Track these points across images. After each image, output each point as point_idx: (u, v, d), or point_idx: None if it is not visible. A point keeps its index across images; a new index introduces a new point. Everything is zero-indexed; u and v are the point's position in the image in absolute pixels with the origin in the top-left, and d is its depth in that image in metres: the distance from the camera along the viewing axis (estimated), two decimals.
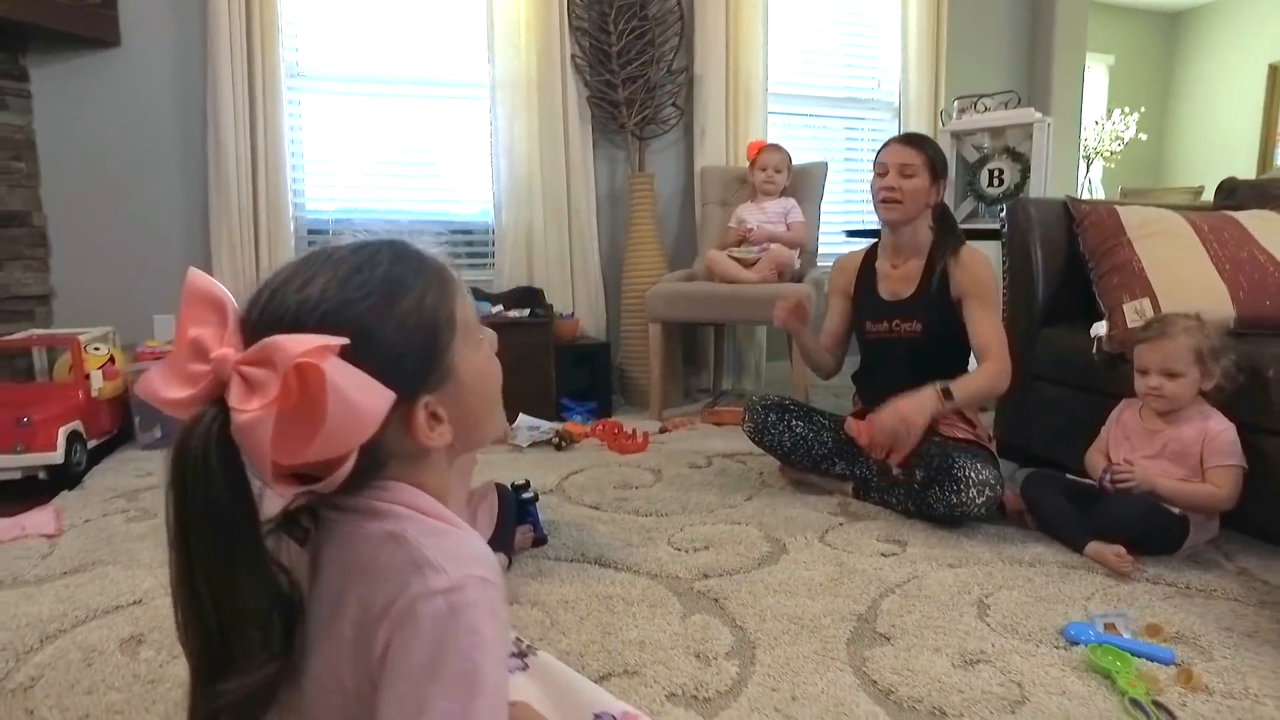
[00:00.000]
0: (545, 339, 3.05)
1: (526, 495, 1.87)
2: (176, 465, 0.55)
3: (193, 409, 0.56)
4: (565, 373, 3.14)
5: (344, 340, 0.56)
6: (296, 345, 0.54)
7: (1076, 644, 1.40)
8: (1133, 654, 1.36)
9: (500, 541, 1.70)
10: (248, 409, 0.54)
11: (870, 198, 2.19)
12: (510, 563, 1.70)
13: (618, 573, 1.71)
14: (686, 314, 3.07)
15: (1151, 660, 1.35)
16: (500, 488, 1.82)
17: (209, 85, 2.97)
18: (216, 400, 0.56)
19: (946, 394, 1.98)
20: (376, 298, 0.63)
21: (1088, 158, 6.20)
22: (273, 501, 0.63)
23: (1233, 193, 2.59)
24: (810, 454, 2.17)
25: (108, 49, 2.91)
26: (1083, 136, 6.05)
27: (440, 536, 0.61)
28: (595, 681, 1.26)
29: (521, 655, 1.04)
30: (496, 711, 0.57)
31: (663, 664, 1.33)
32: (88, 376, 2.48)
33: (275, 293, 0.62)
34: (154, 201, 3.05)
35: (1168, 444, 1.83)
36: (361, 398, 0.56)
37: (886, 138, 2.21)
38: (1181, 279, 2.07)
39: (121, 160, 2.99)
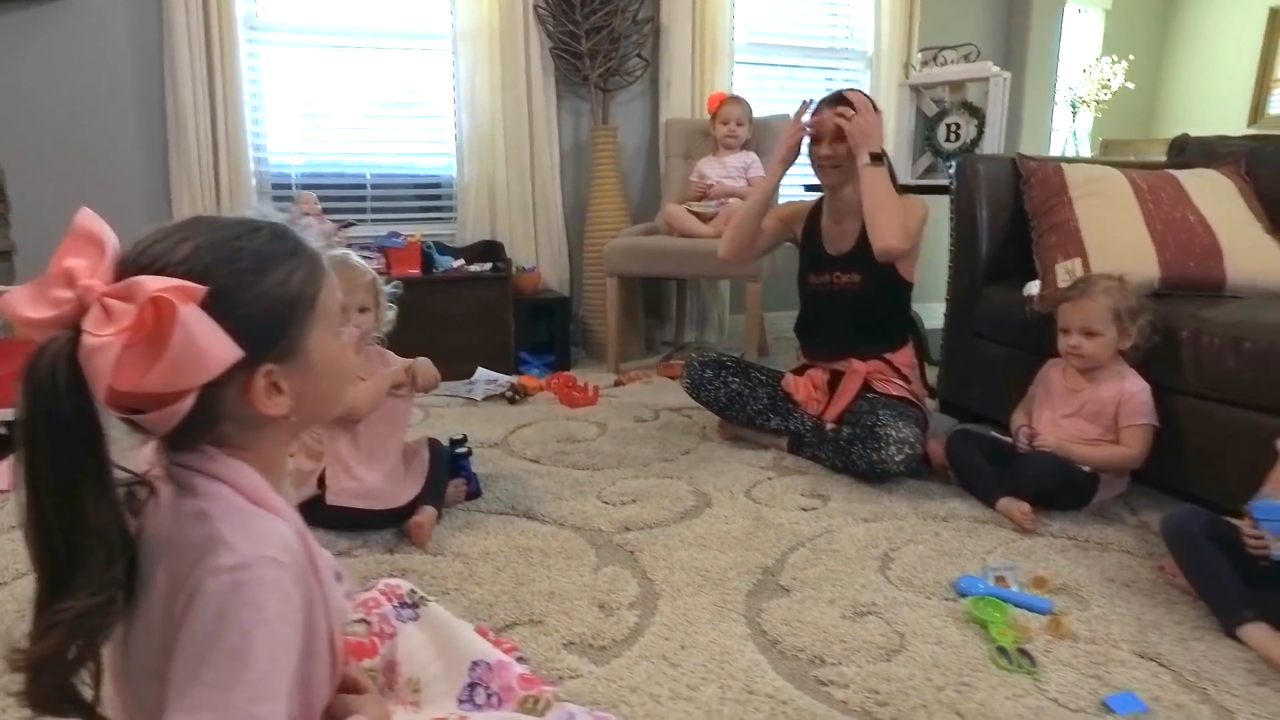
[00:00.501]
0: (505, 293, 3.08)
1: (460, 450, 1.92)
2: (26, 380, 0.59)
3: (49, 331, 0.60)
4: (525, 326, 3.19)
5: (204, 288, 0.61)
6: (157, 283, 0.59)
7: (965, 596, 1.46)
8: (1014, 604, 1.43)
9: (431, 495, 1.77)
10: (100, 334, 0.58)
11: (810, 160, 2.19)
12: (440, 515, 1.77)
13: (543, 525, 1.77)
14: (643, 268, 3.09)
15: (1031, 610, 1.42)
16: (433, 442, 1.88)
17: (165, 37, 2.95)
18: (73, 326, 0.60)
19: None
20: (245, 264, 0.67)
21: (1074, 107, 6.11)
22: None
23: (1183, 150, 2.59)
24: (746, 409, 2.22)
25: (57, 0, 2.88)
26: (1070, 86, 5.97)
27: (243, 516, 0.66)
28: (499, 630, 1.34)
29: (414, 606, 1.11)
30: (260, 690, 0.60)
31: (566, 614, 1.41)
32: None
33: (155, 244, 0.66)
34: (113, 156, 3.05)
35: (1086, 403, 1.88)
36: (207, 343, 0.60)
37: (859, 87, 2.20)
38: (1113, 239, 2.09)
39: (79, 114, 2.99)
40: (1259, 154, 2.32)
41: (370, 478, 1.72)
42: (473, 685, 1.03)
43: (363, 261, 1.73)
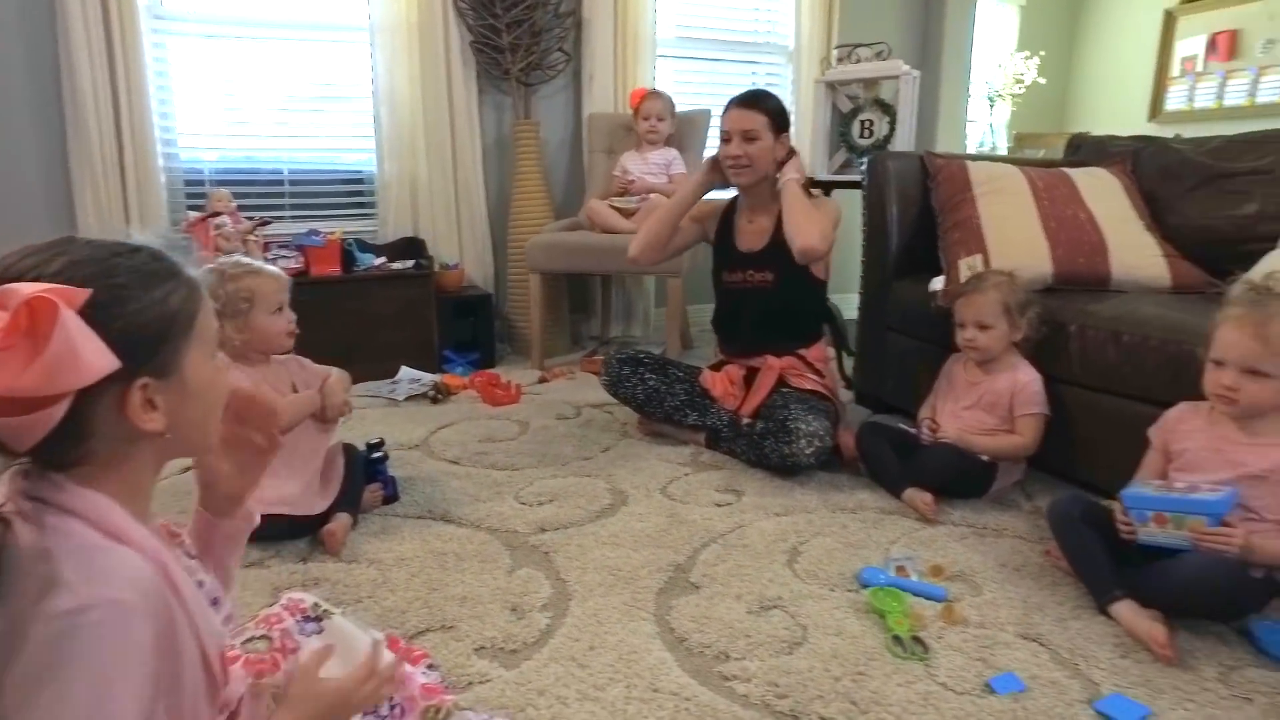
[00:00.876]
0: (427, 291, 3.06)
1: (377, 455, 1.92)
2: None
3: None
4: (449, 324, 3.17)
5: (86, 291, 0.62)
6: (32, 287, 0.59)
7: (867, 587, 1.53)
8: (912, 593, 1.50)
9: (346, 502, 1.76)
10: None
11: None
12: (355, 522, 1.76)
13: (459, 528, 1.78)
14: (565, 264, 3.10)
15: (927, 598, 1.49)
16: (348, 448, 1.87)
17: (59, 25, 2.83)
18: None
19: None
20: (123, 279, 0.68)
21: (990, 100, 6.30)
22: None
23: (1078, 149, 2.71)
24: (663, 406, 2.26)
25: None
26: (986, 80, 6.15)
27: (88, 554, 0.65)
28: (410, 638, 1.35)
29: (317, 620, 1.11)
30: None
31: (478, 618, 1.42)
32: None
33: (24, 259, 0.66)
34: (7, 149, 2.92)
35: (984, 395, 1.97)
36: (85, 349, 0.61)
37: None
38: (1012, 236, 2.19)
39: None
40: (1141, 154, 2.45)
41: (288, 487, 1.70)
42: None
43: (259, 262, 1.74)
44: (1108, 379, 1.85)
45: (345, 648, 1.08)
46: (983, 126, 6.24)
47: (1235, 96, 5.42)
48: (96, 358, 0.62)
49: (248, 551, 1.61)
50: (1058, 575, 1.57)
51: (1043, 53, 6.48)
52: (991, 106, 6.40)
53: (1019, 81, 6.42)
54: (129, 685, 0.63)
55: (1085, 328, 1.90)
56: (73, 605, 0.61)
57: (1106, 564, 1.46)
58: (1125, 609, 1.39)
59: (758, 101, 2.14)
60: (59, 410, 0.62)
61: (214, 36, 3.17)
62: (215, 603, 0.86)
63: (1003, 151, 6.11)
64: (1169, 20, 6.27)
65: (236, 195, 3.04)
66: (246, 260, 1.71)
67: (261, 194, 3.29)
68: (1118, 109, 6.41)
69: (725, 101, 2.21)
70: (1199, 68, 5.73)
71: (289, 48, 3.26)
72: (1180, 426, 1.55)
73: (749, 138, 2.11)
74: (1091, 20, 7.06)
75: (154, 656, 0.65)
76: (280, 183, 3.35)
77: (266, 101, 3.26)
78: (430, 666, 1.24)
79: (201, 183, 3.21)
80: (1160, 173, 2.39)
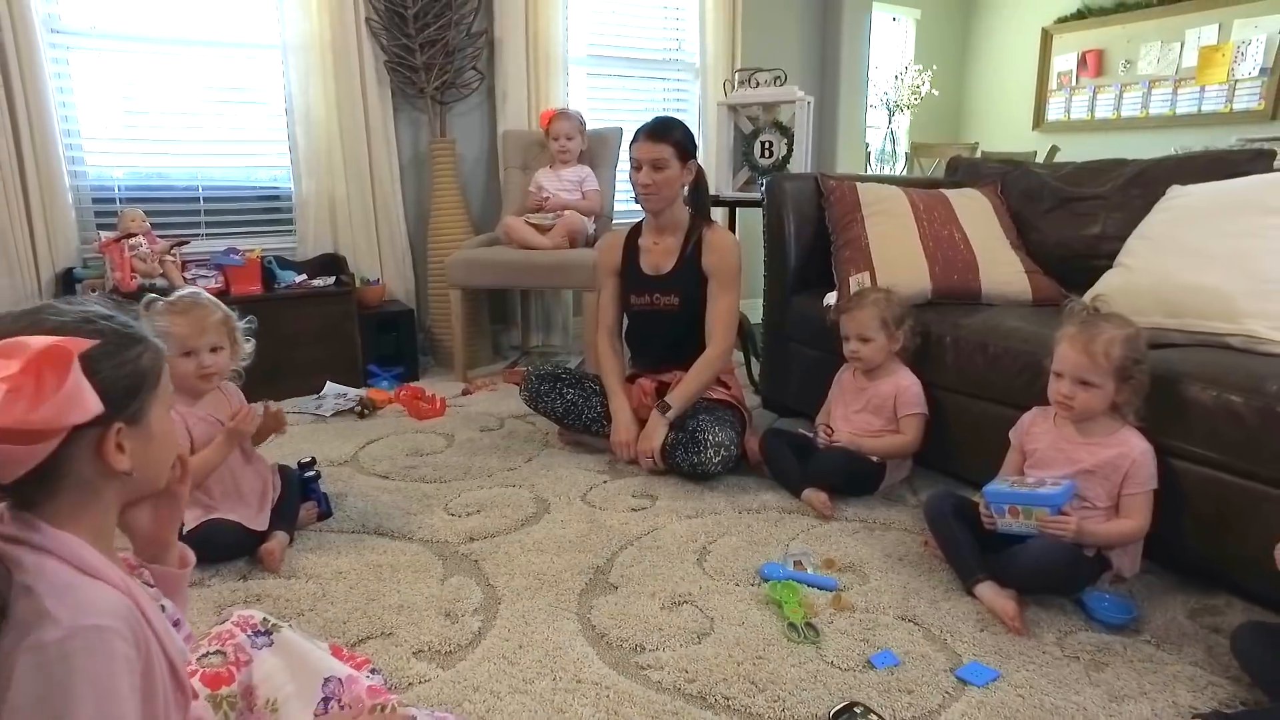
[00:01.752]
0: (348, 307, 3.12)
1: (309, 474, 2.00)
2: None
3: None
4: (372, 338, 3.23)
5: (91, 342, 0.74)
6: (45, 340, 0.71)
7: (767, 581, 1.71)
8: (807, 585, 1.69)
9: (282, 520, 1.84)
10: None
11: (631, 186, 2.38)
12: (292, 539, 1.85)
13: (392, 541, 1.89)
14: (484, 280, 3.21)
15: (820, 589, 1.68)
16: (282, 469, 1.95)
17: None
18: None
19: (665, 407, 2.26)
20: (108, 339, 0.79)
21: (890, 110, 6.65)
22: None
23: (956, 170, 2.97)
24: (581, 417, 2.41)
25: None
26: (885, 91, 6.50)
27: (68, 588, 0.74)
28: (352, 645, 1.46)
29: (268, 633, 1.21)
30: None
31: (415, 624, 1.54)
32: None
33: (16, 320, 0.76)
34: None
35: (870, 399, 2.19)
36: (84, 390, 0.72)
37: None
38: (895, 256, 2.41)
39: None
40: (1009, 177, 2.72)
41: (237, 512, 1.78)
42: (326, 699, 1.15)
43: (213, 299, 1.78)
44: (976, 385, 2.08)
45: (296, 657, 1.20)
46: (883, 136, 6.59)
47: (1104, 110, 5.89)
48: (91, 400, 0.73)
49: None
50: (934, 563, 1.78)
51: (935, 66, 6.87)
52: (891, 116, 6.76)
53: (915, 93, 6.79)
54: (126, 693, 0.74)
55: (958, 339, 2.14)
56: (60, 635, 0.70)
57: (971, 551, 1.67)
58: (986, 589, 1.61)
59: (665, 133, 2.29)
60: (52, 445, 0.72)
61: (120, 53, 3.13)
62: (176, 624, 0.97)
63: (901, 159, 6.48)
64: (1046, 37, 6.72)
65: (150, 213, 3.03)
66: (189, 294, 1.76)
67: (176, 211, 3.27)
68: (1006, 118, 6.85)
69: (638, 115, 2.35)
70: (1073, 82, 6.21)
71: (198, 62, 3.24)
72: (1032, 429, 1.79)
73: (658, 166, 2.27)
74: (981, 34, 7.46)
75: (135, 673, 0.76)
76: (195, 199, 3.34)
77: (176, 117, 3.25)
78: (373, 671, 1.35)
79: (112, 200, 3.18)
80: (1023, 195, 2.66)
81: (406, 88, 3.46)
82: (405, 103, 3.53)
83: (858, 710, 1.29)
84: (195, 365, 1.73)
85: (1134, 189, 2.42)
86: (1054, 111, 6.45)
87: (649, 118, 2.35)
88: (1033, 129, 6.70)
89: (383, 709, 1.15)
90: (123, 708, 0.73)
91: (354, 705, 1.16)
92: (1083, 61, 6.08)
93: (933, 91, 6.80)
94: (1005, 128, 6.94)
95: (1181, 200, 2.14)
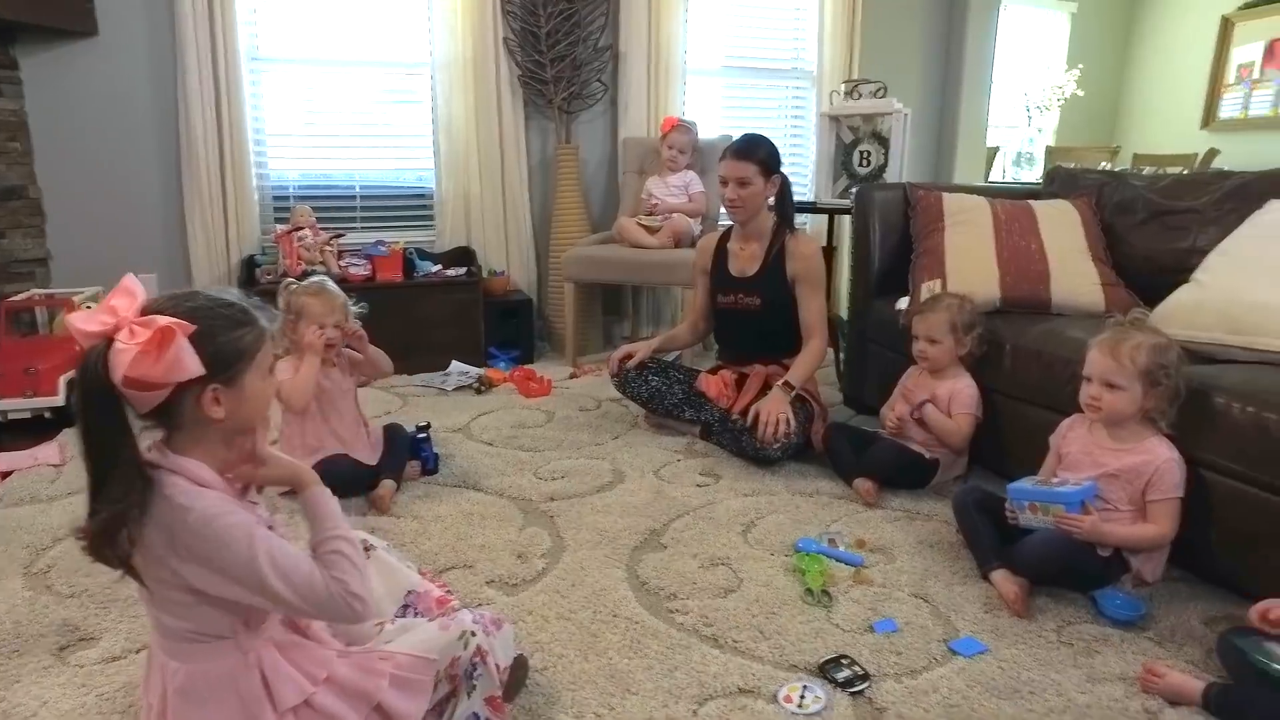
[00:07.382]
0: (476, 295, 3.52)
1: (422, 436, 2.37)
2: (79, 370, 1.01)
3: (93, 341, 1.02)
4: (495, 323, 3.62)
5: (193, 326, 1.03)
6: (166, 320, 1.02)
7: (799, 552, 1.90)
8: (834, 558, 1.87)
9: (389, 469, 2.22)
10: (126, 344, 1.01)
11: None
12: (398, 487, 2.21)
13: (486, 495, 2.22)
14: (595, 275, 3.53)
15: (846, 563, 1.86)
16: (395, 427, 2.34)
17: (179, 69, 3.37)
18: (108, 339, 1.02)
19: (788, 386, 2.47)
20: (220, 323, 1.10)
21: (1029, 112, 6.44)
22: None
23: (1053, 180, 2.99)
24: (664, 403, 2.67)
25: (87, 38, 3.29)
26: (1024, 91, 6.30)
27: (191, 493, 1.06)
28: (440, 572, 1.78)
29: (367, 550, 1.55)
30: (258, 546, 1.03)
31: (491, 560, 1.85)
32: None
33: (169, 300, 1.09)
34: (134, 174, 3.48)
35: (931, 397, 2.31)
36: (187, 357, 1.03)
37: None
38: (967, 264, 2.51)
39: (105, 138, 3.41)
40: (1105, 189, 2.73)
41: (331, 445, 2.17)
42: (405, 606, 1.48)
43: (335, 286, 2.16)
44: (1031, 391, 2.17)
45: (385, 571, 1.52)
46: (1022, 138, 6.40)
47: None
48: (192, 363, 1.02)
49: None
50: (960, 551, 1.92)
51: (1081, 65, 6.57)
52: (1030, 119, 6.55)
53: (1058, 94, 6.53)
54: (254, 529, 1.06)
55: (1017, 346, 2.23)
56: (197, 516, 1.03)
57: (991, 541, 1.80)
58: (1000, 576, 1.74)
59: (749, 153, 2.49)
60: (165, 393, 1.03)
61: (300, 75, 3.68)
62: (271, 528, 1.29)
63: (1039, 164, 6.27)
64: (1226, 25, 6.13)
65: (315, 208, 3.55)
66: (318, 280, 2.15)
67: (337, 207, 3.80)
68: (1171, 117, 6.35)
69: (755, 124, 2.57)
70: (1255, 74, 5.72)
71: (361, 79, 3.75)
72: (1068, 434, 1.88)
73: (742, 183, 2.49)
74: (1147, 24, 6.89)
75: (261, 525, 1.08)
76: (352, 196, 3.85)
77: (341, 126, 3.77)
78: (449, 592, 1.67)
79: (286, 197, 3.73)
80: (1117, 207, 2.67)
81: (537, 99, 3.83)
82: (535, 112, 3.90)
83: (844, 662, 1.48)
84: (321, 336, 2.08)
85: (1230, 203, 2.40)
86: (1228, 109, 5.88)
87: (765, 127, 2.58)
88: (1201, 128, 6.19)
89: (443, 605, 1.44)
90: (258, 536, 1.05)
91: (425, 612, 1.47)
92: (1270, 51, 5.54)
93: (1078, 92, 6.51)
94: (1170, 127, 6.45)
95: (1272, 216, 2.14)
